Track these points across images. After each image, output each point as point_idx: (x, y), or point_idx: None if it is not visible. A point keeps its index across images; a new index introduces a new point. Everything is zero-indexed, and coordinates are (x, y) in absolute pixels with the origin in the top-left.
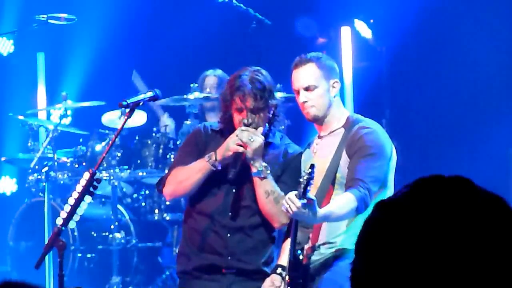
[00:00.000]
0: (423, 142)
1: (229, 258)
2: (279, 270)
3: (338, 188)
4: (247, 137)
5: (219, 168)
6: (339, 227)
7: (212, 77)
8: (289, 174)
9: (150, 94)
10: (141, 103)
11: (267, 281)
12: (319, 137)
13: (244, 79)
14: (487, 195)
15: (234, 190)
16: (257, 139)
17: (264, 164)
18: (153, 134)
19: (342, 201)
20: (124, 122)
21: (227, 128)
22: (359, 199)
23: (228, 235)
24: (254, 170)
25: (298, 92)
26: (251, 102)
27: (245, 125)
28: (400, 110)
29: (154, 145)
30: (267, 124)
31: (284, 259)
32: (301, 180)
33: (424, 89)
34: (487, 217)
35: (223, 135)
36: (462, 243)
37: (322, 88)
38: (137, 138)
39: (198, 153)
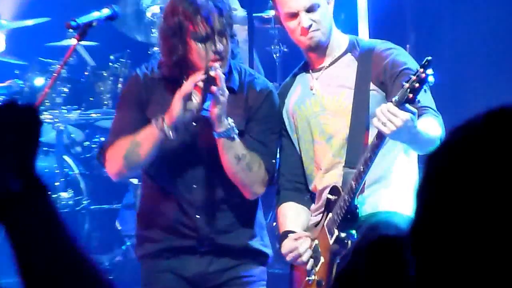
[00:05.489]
0: (455, 71)
1: (203, 241)
2: (291, 235)
3: (373, 127)
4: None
5: (173, 136)
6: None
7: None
8: (256, 122)
9: (107, 11)
10: (94, 24)
11: (288, 244)
12: (316, 69)
13: None
14: None
15: (198, 156)
16: (225, 90)
17: (230, 120)
18: (110, 64)
19: (431, 123)
20: (73, 49)
21: (175, 76)
22: (442, 125)
23: (197, 215)
24: (221, 129)
25: (292, 16)
26: (218, 22)
27: (216, 53)
28: (428, 33)
29: (112, 78)
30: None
31: (292, 224)
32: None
33: (458, 6)
34: None
35: (169, 82)
36: None
37: (324, 5)
38: (89, 69)
39: (141, 110)
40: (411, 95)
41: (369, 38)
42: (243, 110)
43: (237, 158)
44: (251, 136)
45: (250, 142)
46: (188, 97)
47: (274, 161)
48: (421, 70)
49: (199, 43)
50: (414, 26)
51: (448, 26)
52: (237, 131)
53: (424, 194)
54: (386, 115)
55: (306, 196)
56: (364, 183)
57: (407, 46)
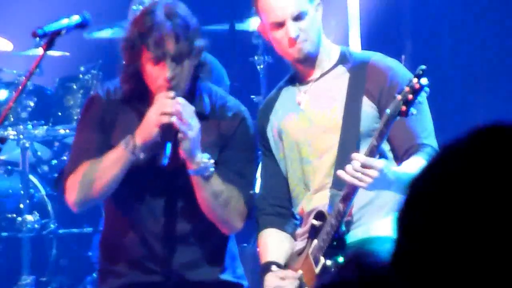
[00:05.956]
0: (455, 84)
1: (170, 276)
2: (274, 268)
3: (365, 146)
4: (175, 108)
5: (142, 156)
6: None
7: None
8: (232, 151)
9: (76, 19)
10: (63, 32)
11: (273, 281)
12: (304, 82)
13: (159, 14)
14: None
15: (165, 182)
16: (195, 123)
17: (206, 156)
18: (80, 76)
19: (416, 165)
20: (40, 59)
21: (137, 91)
22: None
23: (164, 249)
24: (194, 167)
25: (279, 25)
26: (173, 46)
27: (167, 80)
28: (426, 42)
29: (82, 91)
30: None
31: (274, 254)
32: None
33: (458, 12)
34: None
35: (134, 103)
36: None
37: (312, 13)
38: (57, 81)
39: (103, 132)
40: (404, 107)
41: (361, 47)
42: (216, 137)
43: (214, 195)
44: (227, 166)
45: (226, 174)
46: (167, 128)
47: (252, 192)
48: (415, 80)
49: (150, 65)
50: (410, 34)
51: (446, 35)
52: (213, 168)
53: (406, 220)
54: (358, 169)
55: (290, 221)
56: (353, 206)
57: (402, 57)
